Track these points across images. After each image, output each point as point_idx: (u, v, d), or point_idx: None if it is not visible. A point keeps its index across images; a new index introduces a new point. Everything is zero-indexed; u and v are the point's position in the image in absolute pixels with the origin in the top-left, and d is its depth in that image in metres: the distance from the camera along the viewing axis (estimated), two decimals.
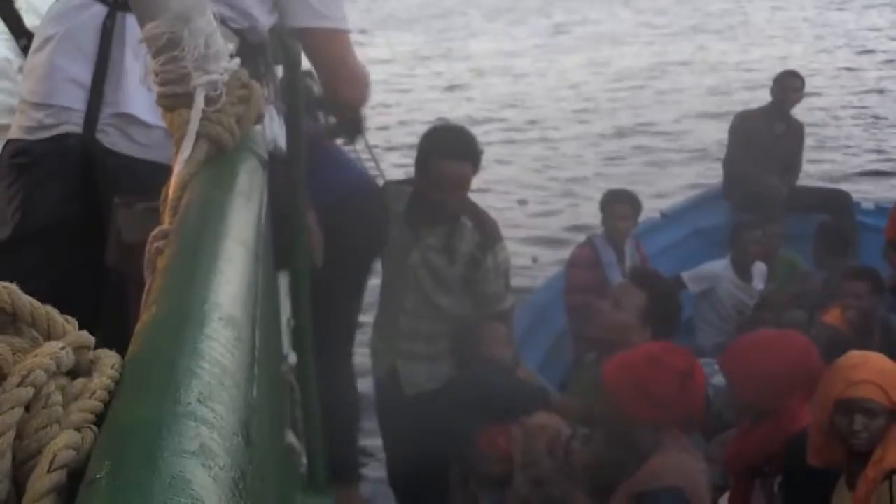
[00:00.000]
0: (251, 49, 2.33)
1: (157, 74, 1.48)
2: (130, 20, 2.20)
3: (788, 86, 7.52)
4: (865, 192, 8.74)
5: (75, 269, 2.18)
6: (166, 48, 1.45)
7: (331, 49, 2.50)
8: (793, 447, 3.37)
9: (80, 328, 0.83)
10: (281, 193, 2.18)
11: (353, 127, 3.34)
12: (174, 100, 1.45)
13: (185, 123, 1.40)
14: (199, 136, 1.39)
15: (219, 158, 1.40)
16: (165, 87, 1.46)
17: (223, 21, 2.21)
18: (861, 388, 3.11)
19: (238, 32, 2.32)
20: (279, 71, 3.27)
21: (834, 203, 7.42)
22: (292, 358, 2.61)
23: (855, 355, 3.31)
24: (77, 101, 2.22)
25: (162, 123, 2.15)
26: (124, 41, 2.21)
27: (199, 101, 1.41)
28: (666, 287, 4.26)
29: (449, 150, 4.01)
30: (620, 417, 3.24)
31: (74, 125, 2.21)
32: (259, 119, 1.54)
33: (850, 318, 5.17)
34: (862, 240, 6.82)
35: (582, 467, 3.64)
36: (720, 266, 6.21)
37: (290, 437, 1.95)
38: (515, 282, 4.66)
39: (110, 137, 2.20)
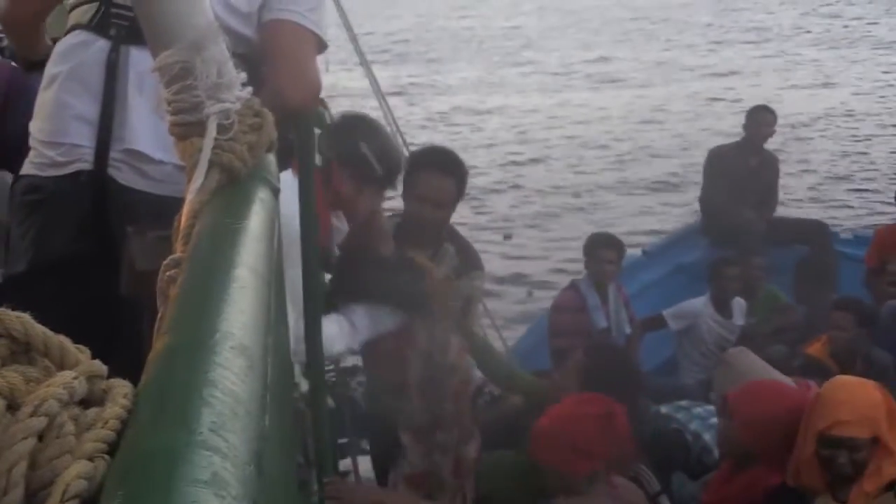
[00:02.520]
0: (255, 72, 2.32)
1: (169, 103, 1.48)
2: (134, 53, 2.20)
3: (761, 120, 7.61)
4: None
5: (89, 301, 2.18)
6: (179, 77, 1.45)
7: (287, 41, 2.33)
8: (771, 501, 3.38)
9: (93, 358, 0.83)
10: None
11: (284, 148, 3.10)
12: (186, 128, 1.46)
13: (197, 152, 1.40)
14: (211, 164, 1.40)
15: (231, 187, 1.40)
16: (178, 116, 1.47)
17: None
18: (846, 427, 3.14)
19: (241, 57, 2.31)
20: None
21: (812, 234, 7.46)
22: (304, 385, 2.61)
23: (839, 387, 3.33)
24: (86, 138, 2.22)
25: (169, 159, 2.16)
26: (128, 75, 2.21)
27: (212, 130, 1.41)
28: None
29: (433, 164, 4.06)
30: (560, 477, 3.25)
31: (85, 162, 2.21)
32: (271, 147, 1.54)
33: (834, 349, 5.17)
34: (841, 270, 6.82)
35: (482, 424, 3.62)
36: (700, 303, 6.22)
37: (303, 465, 1.94)
38: None
39: (123, 174, 2.21)
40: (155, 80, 2.14)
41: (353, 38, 5.89)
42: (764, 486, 3.43)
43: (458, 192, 4.06)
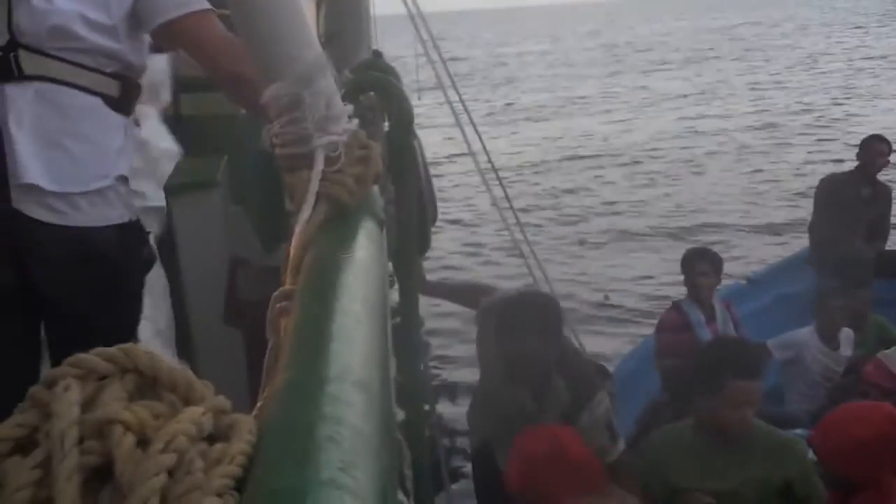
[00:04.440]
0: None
1: (276, 136, 1.50)
2: (7, 90, 2.12)
3: (875, 150, 7.41)
4: None
5: (12, 339, 2.13)
6: (287, 110, 1.46)
7: (207, 28, 2.21)
8: None
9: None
10: None
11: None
12: (294, 160, 1.46)
13: (305, 184, 1.41)
14: (319, 196, 1.40)
15: (339, 219, 1.40)
16: (285, 149, 1.48)
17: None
18: None
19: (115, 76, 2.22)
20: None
21: None
22: (400, 415, 2.60)
23: None
24: None
25: (66, 188, 2.10)
26: (6, 114, 2.12)
27: (319, 162, 1.42)
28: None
29: (528, 330, 3.80)
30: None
31: None
32: (377, 179, 1.54)
33: None
34: None
35: None
36: (806, 333, 6.06)
37: (402, 498, 1.92)
38: None
39: (30, 208, 2.13)
40: (36, 112, 2.11)
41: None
42: None
43: (558, 341, 3.91)
